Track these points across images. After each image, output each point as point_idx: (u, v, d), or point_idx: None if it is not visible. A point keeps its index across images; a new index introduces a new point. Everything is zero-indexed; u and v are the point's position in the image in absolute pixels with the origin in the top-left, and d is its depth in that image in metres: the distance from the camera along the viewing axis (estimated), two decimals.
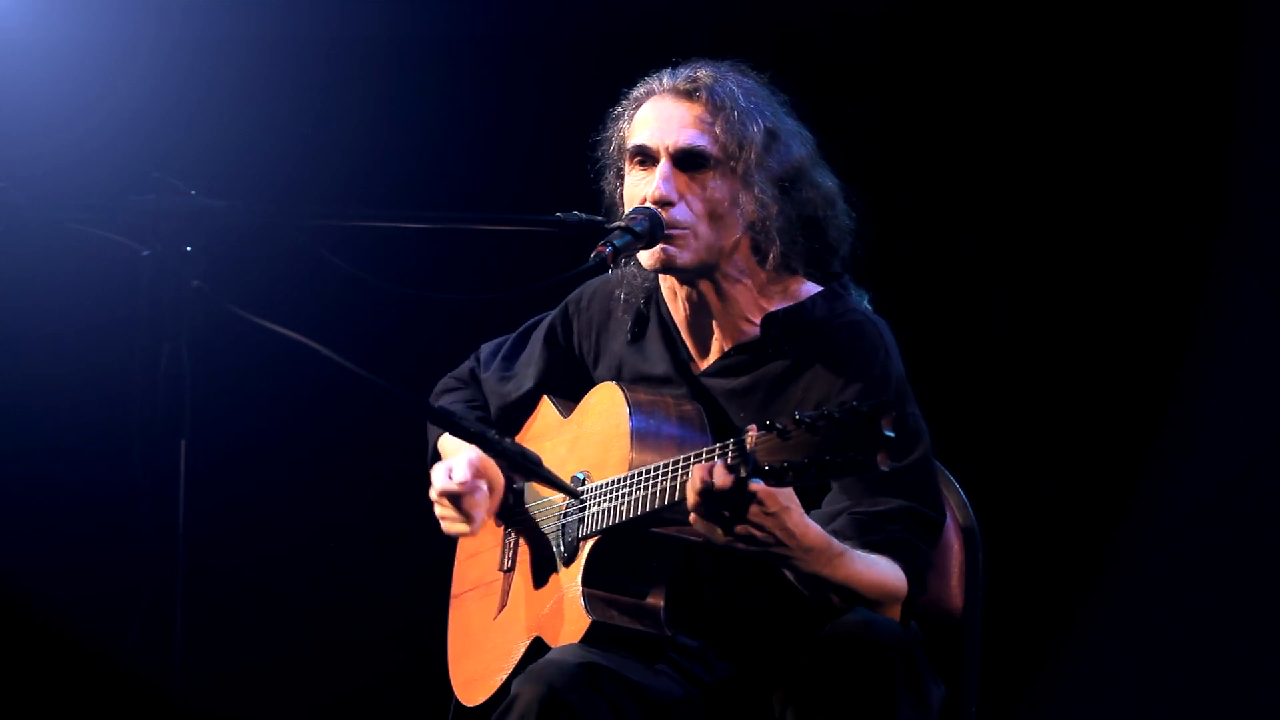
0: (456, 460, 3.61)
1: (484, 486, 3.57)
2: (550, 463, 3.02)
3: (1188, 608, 4.61)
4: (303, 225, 2.84)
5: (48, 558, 5.13)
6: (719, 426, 3.42)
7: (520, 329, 3.84)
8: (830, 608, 3.17)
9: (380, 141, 5.15)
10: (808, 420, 2.85)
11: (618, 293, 3.62)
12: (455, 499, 3.55)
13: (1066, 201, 4.74)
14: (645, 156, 3.42)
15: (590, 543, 3.36)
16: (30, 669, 5.13)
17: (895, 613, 3.22)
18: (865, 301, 3.51)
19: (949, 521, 3.53)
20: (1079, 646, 4.72)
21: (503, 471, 3.65)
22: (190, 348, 2.55)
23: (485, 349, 3.88)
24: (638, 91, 3.51)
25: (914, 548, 3.25)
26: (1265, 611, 4.55)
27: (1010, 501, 4.47)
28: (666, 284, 3.55)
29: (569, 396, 3.67)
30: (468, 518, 3.57)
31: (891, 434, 2.79)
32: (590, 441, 3.49)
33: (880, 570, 3.21)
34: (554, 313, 3.76)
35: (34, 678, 5.14)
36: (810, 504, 3.22)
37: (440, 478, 3.59)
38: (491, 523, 3.66)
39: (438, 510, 3.61)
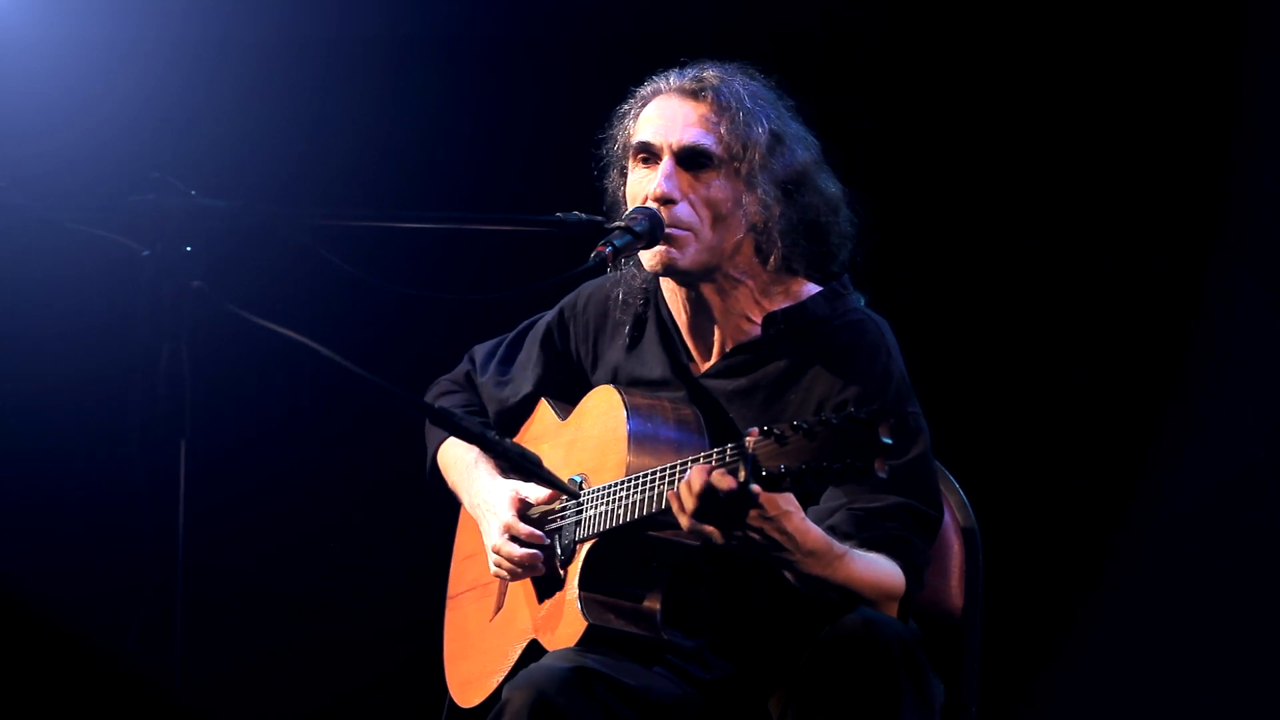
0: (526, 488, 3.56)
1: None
2: (548, 465, 3.02)
3: (1188, 608, 4.61)
4: (303, 225, 2.84)
5: (48, 558, 5.13)
6: (720, 427, 3.41)
7: (515, 331, 3.82)
8: (829, 607, 3.17)
9: (380, 141, 5.15)
10: (806, 426, 2.84)
11: (615, 294, 3.61)
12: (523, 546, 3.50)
13: (1066, 201, 4.74)
14: (649, 154, 3.42)
15: (587, 546, 3.36)
16: (30, 669, 5.13)
17: (894, 610, 3.22)
18: (862, 302, 3.51)
19: (949, 521, 3.53)
20: (1079, 646, 4.72)
21: (500, 472, 3.65)
22: (190, 348, 2.55)
23: (479, 352, 3.86)
24: (644, 90, 3.51)
25: (911, 545, 3.25)
26: (1265, 611, 4.56)
27: (1010, 501, 4.47)
28: (667, 284, 3.55)
29: (566, 399, 3.66)
30: (522, 570, 3.53)
31: (889, 441, 2.78)
32: (588, 445, 3.49)
33: (880, 570, 3.21)
34: (549, 316, 3.75)
35: (34, 678, 5.13)
36: (807, 499, 3.22)
37: (499, 532, 3.53)
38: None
39: (503, 553, 3.54)
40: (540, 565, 3.47)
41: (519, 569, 3.50)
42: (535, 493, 3.52)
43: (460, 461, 3.73)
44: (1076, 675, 4.72)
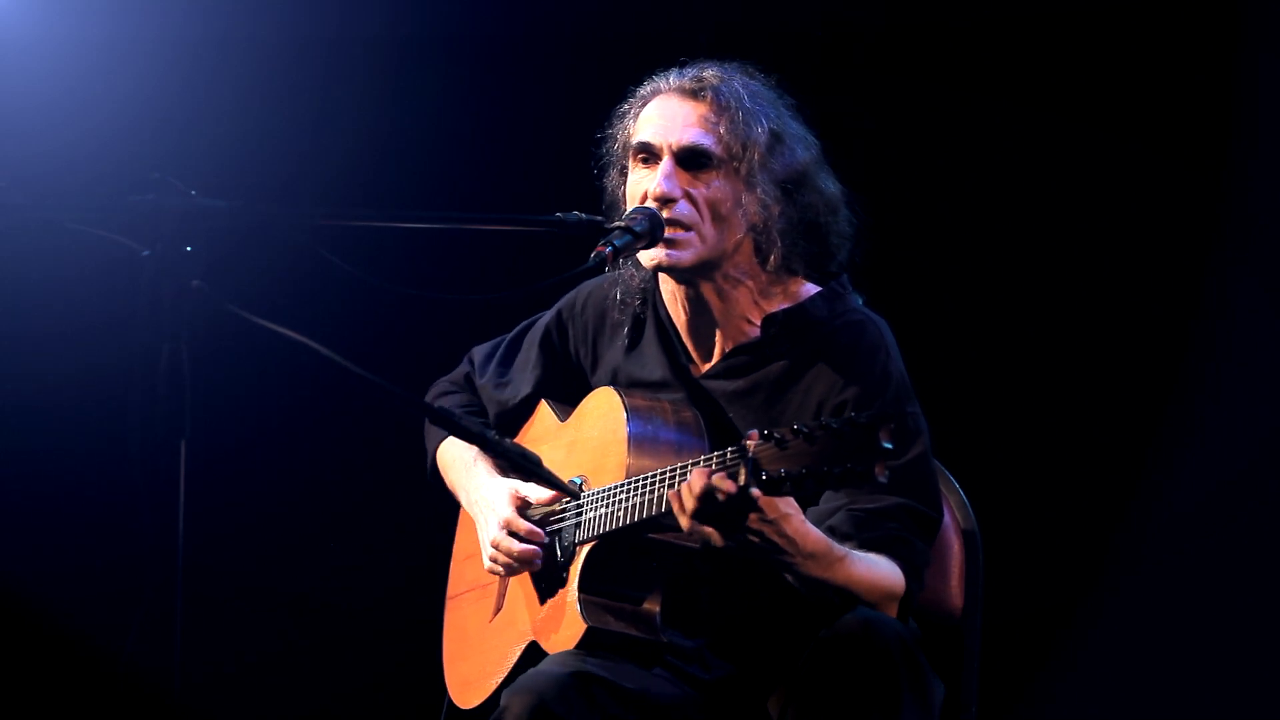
0: (528, 489, 3.54)
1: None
2: (548, 466, 3.02)
3: (1188, 607, 4.61)
4: (303, 225, 2.84)
5: (48, 558, 5.13)
6: (720, 428, 3.41)
7: (513, 333, 3.82)
8: (829, 608, 3.17)
9: (380, 141, 5.15)
10: (806, 430, 2.84)
11: (614, 294, 3.61)
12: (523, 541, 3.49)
13: (1066, 201, 4.74)
14: (649, 154, 3.42)
15: (587, 548, 3.36)
16: (30, 669, 5.13)
17: (893, 611, 3.22)
18: (860, 302, 3.51)
19: (948, 521, 3.53)
20: (1079, 646, 4.72)
21: (499, 471, 3.65)
22: (190, 348, 2.55)
23: (478, 353, 3.86)
24: (644, 90, 3.51)
25: (911, 545, 3.25)
26: (1265, 611, 4.56)
27: (1010, 501, 4.47)
28: (666, 286, 3.55)
29: (566, 401, 3.66)
30: (515, 568, 3.53)
31: (890, 446, 2.78)
32: (588, 446, 3.49)
33: (880, 571, 3.21)
34: (548, 316, 3.75)
35: (34, 678, 5.13)
36: (807, 502, 3.22)
37: (498, 527, 3.51)
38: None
39: (500, 545, 3.52)
40: (537, 562, 3.47)
41: (515, 564, 3.49)
42: (535, 492, 3.52)
43: (459, 460, 3.73)
44: (1076, 675, 4.72)
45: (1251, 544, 4.57)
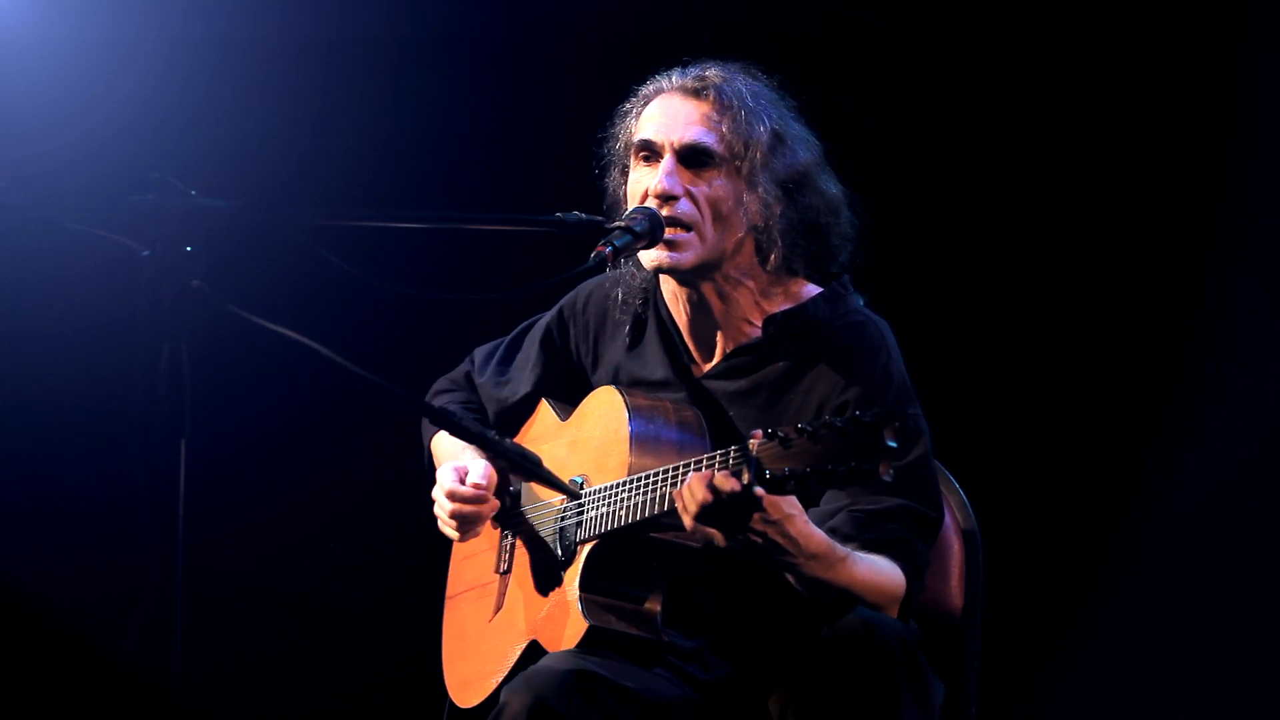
0: (472, 463, 3.61)
1: (493, 497, 3.58)
2: (549, 466, 3.03)
3: (1188, 607, 4.62)
4: (303, 225, 2.84)
5: (48, 558, 5.13)
6: (721, 429, 3.41)
7: (514, 332, 3.83)
8: (829, 608, 3.17)
9: (380, 141, 5.15)
10: (810, 429, 2.84)
11: (615, 294, 3.61)
12: (464, 502, 3.56)
13: (1066, 201, 4.74)
14: (650, 152, 3.42)
15: (588, 547, 3.36)
16: (30, 669, 5.13)
17: (894, 612, 3.22)
18: (861, 303, 3.51)
19: (949, 522, 3.53)
20: (1079, 646, 4.72)
21: (500, 474, 3.65)
22: (190, 348, 2.55)
23: (480, 352, 3.87)
24: (646, 89, 3.51)
25: (912, 547, 3.25)
26: (1265, 611, 4.56)
27: (1010, 501, 4.47)
28: (667, 286, 3.55)
29: (566, 400, 3.66)
30: (466, 524, 3.57)
31: (894, 444, 2.78)
32: (589, 445, 3.49)
33: (881, 572, 3.21)
34: (549, 316, 3.75)
35: (34, 678, 5.13)
36: (809, 502, 3.22)
37: (450, 478, 3.59)
38: (488, 525, 3.66)
39: (440, 510, 3.61)
40: (482, 517, 3.57)
41: (459, 523, 3.57)
42: (476, 468, 3.58)
43: (447, 454, 3.73)
44: (1076, 675, 4.72)
45: (1251, 544, 4.58)
